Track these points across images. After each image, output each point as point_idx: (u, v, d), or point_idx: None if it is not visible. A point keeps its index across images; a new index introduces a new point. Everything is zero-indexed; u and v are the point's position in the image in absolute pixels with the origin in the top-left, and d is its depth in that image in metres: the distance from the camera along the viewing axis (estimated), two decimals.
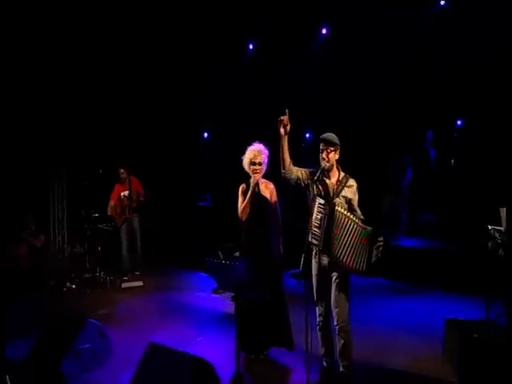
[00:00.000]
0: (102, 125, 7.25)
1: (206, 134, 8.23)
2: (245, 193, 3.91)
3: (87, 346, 3.84)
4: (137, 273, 6.31)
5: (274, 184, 3.94)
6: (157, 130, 7.52)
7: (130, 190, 6.05)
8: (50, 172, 6.70)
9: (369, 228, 3.10)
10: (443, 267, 5.38)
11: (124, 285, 5.88)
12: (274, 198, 3.93)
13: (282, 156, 3.25)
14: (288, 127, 3.17)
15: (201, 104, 7.48)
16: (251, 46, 7.76)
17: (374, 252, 3.07)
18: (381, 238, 3.11)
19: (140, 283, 5.97)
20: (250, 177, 3.88)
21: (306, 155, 6.50)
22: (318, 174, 3.24)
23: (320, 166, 3.27)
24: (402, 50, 6.23)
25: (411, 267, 5.67)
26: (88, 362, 3.86)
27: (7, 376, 3.52)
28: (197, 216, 7.48)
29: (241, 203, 3.90)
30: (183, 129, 7.71)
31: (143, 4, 6.82)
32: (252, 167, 3.83)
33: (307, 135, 7.61)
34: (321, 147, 3.29)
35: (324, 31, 7.26)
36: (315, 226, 3.15)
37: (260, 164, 3.84)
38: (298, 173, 3.31)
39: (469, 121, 6.20)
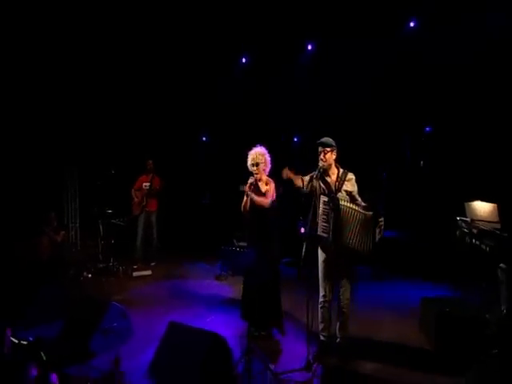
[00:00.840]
0: (112, 127, 7.24)
1: (204, 138, 8.28)
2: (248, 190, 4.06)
3: (112, 325, 4.01)
4: (152, 263, 6.40)
5: (275, 181, 4.07)
6: (162, 133, 7.52)
7: (151, 182, 6.30)
8: (63, 172, 6.74)
9: (369, 213, 3.29)
10: (416, 255, 5.59)
11: (135, 273, 5.98)
12: (272, 194, 4.03)
13: (297, 184, 3.48)
14: (292, 173, 3.45)
15: (201, 109, 7.52)
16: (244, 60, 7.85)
17: (377, 231, 3.25)
18: (381, 219, 3.28)
19: (149, 272, 6.09)
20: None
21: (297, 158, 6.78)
22: (316, 173, 3.42)
23: (318, 166, 3.45)
24: (377, 65, 6.37)
25: (387, 255, 5.91)
26: (113, 340, 4.01)
27: (42, 352, 3.64)
28: (198, 212, 7.60)
29: (244, 200, 4.07)
30: (185, 132, 7.72)
31: (152, 6, 6.66)
32: (252, 168, 4.00)
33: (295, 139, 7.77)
34: (319, 150, 3.48)
35: (309, 47, 7.39)
36: (323, 220, 3.36)
37: (258, 165, 3.96)
38: (308, 185, 3.48)
39: (435, 129, 6.44)
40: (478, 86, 5.65)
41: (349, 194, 3.45)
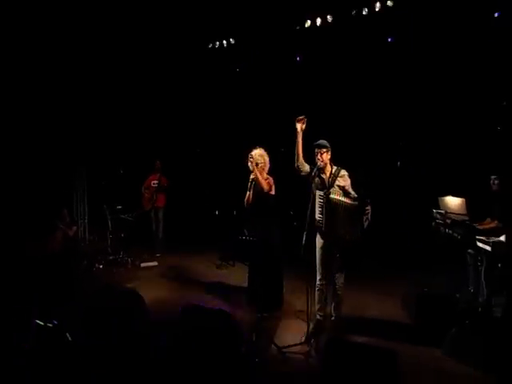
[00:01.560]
0: (120, 128, 7.27)
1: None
2: (249, 187, 4.24)
3: (132, 307, 4.13)
4: (157, 255, 6.51)
5: (274, 179, 4.27)
6: (168, 135, 7.55)
7: (159, 180, 6.46)
8: (73, 172, 6.78)
9: (355, 203, 3.48)
10: (396, 244, 5.74)
11: (142, 264, 6.08)
12: (272, 190, 4.21)
13: (297, 151, 3.59)
14: (304, 126, 3.51)
15: (204, 111, 7.58)
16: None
17: (364, 218, 3.43)
18: (368, 207, 3.44)
19: (155, 263, 6.18)
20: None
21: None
22: (314, 171, 3.61)
23: (316, 164, 3.63)
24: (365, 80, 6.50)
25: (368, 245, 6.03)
26: (132, 322, 4.14)
27: (67, 334, 3.75)
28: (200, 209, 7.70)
29: (247, 195, 4.29)
30: (189, 132, 7.76)
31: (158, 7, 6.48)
32: (251, 167, 4.19)
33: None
34: (315, 151, 3.66)
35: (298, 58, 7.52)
36: (318, 212, 3.58)
37: (257, 165, 4.17)
38: (307, 168, 3.66)
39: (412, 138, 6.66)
40: (446, 93, 5.83)
41: (342, 188, 3.62)
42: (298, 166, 3.68)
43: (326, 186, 3.63)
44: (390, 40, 6.52)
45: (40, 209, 6.04)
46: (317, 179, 3.66)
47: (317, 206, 3.63)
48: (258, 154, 4.21)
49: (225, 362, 3.33)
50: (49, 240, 5.59)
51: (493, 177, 4.21)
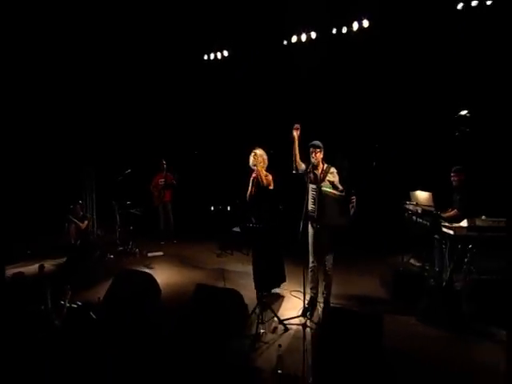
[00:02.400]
0: (127, 130, 7.36)
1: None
2: (251, 182, 4.47)
3: (147, 288, 4.33)
4: (162, 243, 6.71)
5: (272, 175, 4.47)
6: (172, 136, 7.66)
7: (165, 179, 6.66)
8: (82, 171, 6.86)
9: (342, 194, 3.79)
10: (375, 231, 5.99)
11: (149, 254, 6.25)
12: (271, 185, 4.41)
13: (294, 155, 3.88)
14: (299, 132, 3.81)
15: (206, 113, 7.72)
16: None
17: (350, 206, 3.74)
18: (353, 197, 3.73)
19: (161, 253, 6.35)
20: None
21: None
22: (309, 167, 3.91)
23: (311, 162, 3.93)
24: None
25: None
26: (150, 301, 4.35)
27: (91, 312, 3.94)
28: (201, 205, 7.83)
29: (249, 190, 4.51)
30: (194, 134, 7.89)
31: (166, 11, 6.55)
32: (253, 166, 4.41)
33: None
34: (310, 150, 3.95)
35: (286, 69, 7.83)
36: (311, 203, 3.91)
37: (255, 165, 4.39)
38: (303, 166, 3.95)
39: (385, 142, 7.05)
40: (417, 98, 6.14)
41: (331, 182, 3.87)
42: (296, 166, 3.97)
43: (318, 181, 3.91)
44: (365, 55, 6.96)
45: (51, 205, 6.13)
46: (311, 175, 3.94)
47: (310, 197, 3.93)
48: (259, 153, 4.40)
49: (235, 332, 3.64)
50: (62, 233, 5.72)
51: (452, 174, 4.66)
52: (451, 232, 4.20)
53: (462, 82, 5.66)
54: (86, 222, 6.26)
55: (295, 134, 3.84)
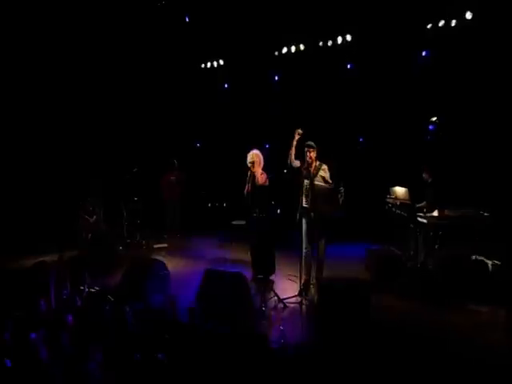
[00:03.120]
0: (134, 133, 7.54)
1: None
2: (248, 180, 4.79)
3: (159, 273, 4.61)
4: (165, 236, 6.89)
5: (267, 174, 4.72)
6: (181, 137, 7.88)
7: (176, 176, 6.89)
8: (90, 171, 6.99)
9: (332, 186, 4.17)
10: (360, 221, 6.25)
11: (155, 246, 6.48)
12: (266, 183, 4.65)
13: (290, 153, 4.24)
14: (299, 137, 4.19)
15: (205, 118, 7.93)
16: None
17: (339, 196, 4.12)
18: (341, 188, 4.09)
19: (166, 245, 6.57)
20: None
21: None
22: (304, 165, 4.29)
23: (306, 160, 4.30)
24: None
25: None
26: (162, 284, 4.63)
27: (109, 296, 4.16)
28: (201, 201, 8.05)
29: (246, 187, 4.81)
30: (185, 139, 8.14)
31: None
32: (249, 165, 4.66)
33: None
34: (305, 149, 4.30)
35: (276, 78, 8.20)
36: (305, 196, 4.30)
37: (252, 163, 4.62)
38: (297, 163, 4.31)
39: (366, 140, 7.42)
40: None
41: (323, 178, 4.23)
42: (290, 164, 4.32)
43: (312, 176, 4.28)
44: (349, 66, 7.40)
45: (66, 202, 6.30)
46: (305, 171, 4.32)
47: (304, 191, 4.31)
48: (255, 153, 4.66)
49: (242, 309, 3.97)
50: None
51: (423, 167, 5.14)
52: (424, 221, 4.66)
53: (434, 88, 6.16)
54: (95, 217, 6.42)
55: (296, 137, 4.20)
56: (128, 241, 6.48)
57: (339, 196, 4.09)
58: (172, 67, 7.56)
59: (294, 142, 4.26)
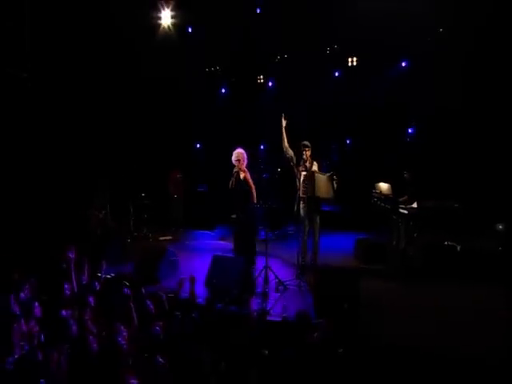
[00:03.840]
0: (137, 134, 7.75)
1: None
2: (233, 175, 4.87)
3: (170, 259, 4.89)
4: (173, 228, 7.13)
5: (250, 172, 4.90)
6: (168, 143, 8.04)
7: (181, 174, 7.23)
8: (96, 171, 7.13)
9: (328, 174, 4.63)
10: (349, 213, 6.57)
11: (161, 238, 6.74)
12: (248, 180, 4.80)
13: (283, 138, 4.68)
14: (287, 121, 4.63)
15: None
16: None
17: (334, 182, 4.58)
18: (335, 176, 4.57)
19: (170, 237, 6.82)
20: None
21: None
22: (301, 162, 4.72)
23: (302, 157, 4.75)
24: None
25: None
26: (172, 269, 4.91)
27: (124, 281, 4.41)
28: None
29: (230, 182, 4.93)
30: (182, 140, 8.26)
31: None
32: (235, 162, 4.80)
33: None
34: (302, 148, 4.75)
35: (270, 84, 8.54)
36: (304, 186, 4.68)
37: (238, 161, 4.76)
38: (291, 152, 4.72)
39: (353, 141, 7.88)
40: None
41: (315, 171, 4.75)
42: (284, 149, 4.72)
43: (308, 169, 4.77)
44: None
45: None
46: (302, 165, 4.77)
47: (301, 182, 4.71)
48: (240, 152, 4.82)
49: (247, 290, 4.29)
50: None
51: (404, 172, 5.60)
52: (405, 212, 5.10)
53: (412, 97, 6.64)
54: (103, 212, 6.61)
55: (284, 122, 4.68)
56: (135, 234, 6.70)
57: (334, 183, 4.58)
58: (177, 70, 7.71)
59: (283, 127, 4.71)
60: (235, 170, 4.86)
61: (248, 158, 4.89)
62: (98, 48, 6.95)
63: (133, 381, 2.59)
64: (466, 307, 3.96)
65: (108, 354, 2.84)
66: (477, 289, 4.36)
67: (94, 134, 7.19)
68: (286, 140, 4.70)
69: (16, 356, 2.79)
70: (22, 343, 2.93)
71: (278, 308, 3.97)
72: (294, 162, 4.77)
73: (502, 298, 4.11)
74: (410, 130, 6.87)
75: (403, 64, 6.94)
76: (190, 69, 7.70)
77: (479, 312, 3.82)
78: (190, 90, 7.89)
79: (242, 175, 4.82)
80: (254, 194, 4.80)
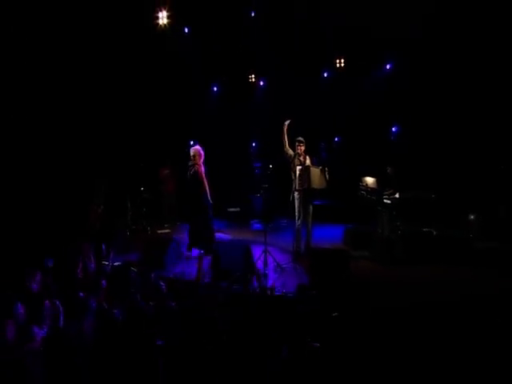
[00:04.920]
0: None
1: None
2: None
3: (174, 249, 5.45)
4: (166, 225, 7.59)
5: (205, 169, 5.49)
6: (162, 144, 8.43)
7: (169, 169, 7.70)
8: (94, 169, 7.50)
9: (320, 167, 5.32)
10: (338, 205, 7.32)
11: (159, 231, 7.22)
12: (202, 174, 5.42)
13: (282, 141, 5.33)
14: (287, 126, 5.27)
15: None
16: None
17: (326, 174, 5.29)
18: (326, 168, 5.28)
19: (168, 230, 7.31)
20: None
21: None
22: (297, 156, 5.34)
23: (296, 152, 5.38)
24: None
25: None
26: (176, 256, 5.48)
27: (132, 268, 4.95)
28: None
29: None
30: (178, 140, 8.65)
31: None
32: (192, 158, 5.42)
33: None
34: (296, 144, 5.38)
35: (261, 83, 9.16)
36: (299, 179, 5.34)
37: (194, 157, 5.38)
38: (291, 152, 5.36)
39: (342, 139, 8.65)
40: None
41: (308, 165, 5.40)
42: (285, 150, 5.38)
43: (302, 163, 5.40)
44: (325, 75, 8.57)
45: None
46: (297, 160, 5.40)
47: (297, 176, 5.35)
48: (196, 149, 5.47)
49: (249, 271, 4.92)
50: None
51: (388, 167, 6.40)
52: (389, 201, 5.88)
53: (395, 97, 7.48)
54: (102, 207, 7.04)
55: (286, 125, 5.31)
56: (133, 227, 7.17)
57: (326, 174, 5.31)
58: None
59: (284, 131, 5.33)
60: (190, 163, 5.39)
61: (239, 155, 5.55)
62: (93, 47, 7.31)
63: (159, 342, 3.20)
64: (440, 281, 4.76)
65: (134, 318, 3.43)
66: (449, 269, 5.18)
67: (93, 132, 7.54)
68: (286, 143, 5.35)
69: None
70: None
71: (277, 285, 4.64)
72: (293, 159, 5.40)
73: (470, 274, 4.97)
74: (393, 129, 7.70)
75: (387, 67, 7.76)
76: (185, 67, 8.25)
77: (450, 284, 4.63)
78: (185, 89, 8.43)
79: (195, 169, 5.35)
80: (206, 188, 5.39)
